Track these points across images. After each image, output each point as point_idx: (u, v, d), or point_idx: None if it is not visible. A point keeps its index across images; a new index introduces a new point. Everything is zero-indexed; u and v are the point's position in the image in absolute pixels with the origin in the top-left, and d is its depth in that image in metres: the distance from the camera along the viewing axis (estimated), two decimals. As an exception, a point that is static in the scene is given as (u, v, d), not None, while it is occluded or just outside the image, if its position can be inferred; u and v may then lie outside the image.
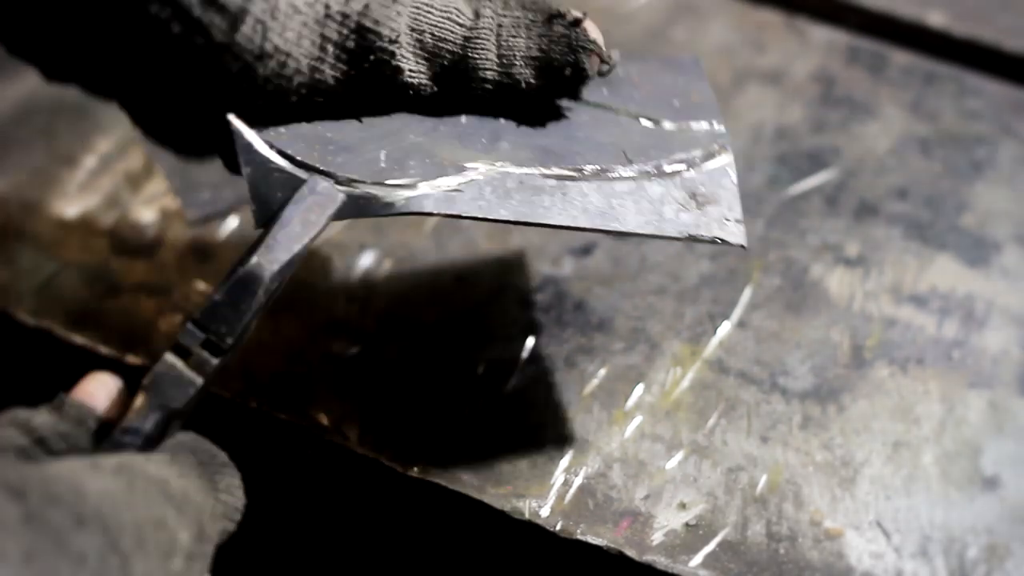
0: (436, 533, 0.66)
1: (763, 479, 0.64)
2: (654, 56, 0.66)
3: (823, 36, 0.89)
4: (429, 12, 0.55)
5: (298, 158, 0.54)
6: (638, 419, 0.67)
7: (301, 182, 0.53)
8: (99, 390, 0.50)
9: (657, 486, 0.64)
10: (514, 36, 0.56)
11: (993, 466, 0.66)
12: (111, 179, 0.77)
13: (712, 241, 0.59)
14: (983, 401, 0.68)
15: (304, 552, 0.73)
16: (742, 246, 0.59)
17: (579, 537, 0.62)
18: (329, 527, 0.71)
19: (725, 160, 0.61)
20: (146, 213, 0.75)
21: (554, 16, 0.56)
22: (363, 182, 0.54)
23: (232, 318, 0.50)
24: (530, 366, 0.68)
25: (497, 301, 0.71)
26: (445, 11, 0.55)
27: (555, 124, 0.60)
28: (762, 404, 0.68)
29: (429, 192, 0.55)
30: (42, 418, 0.48)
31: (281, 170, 0.53)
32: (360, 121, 0.57)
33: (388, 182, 0.54)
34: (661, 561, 0.61)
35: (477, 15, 0.56)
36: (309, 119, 0.55)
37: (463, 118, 0.59)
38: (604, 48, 0.57)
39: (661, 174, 0.59)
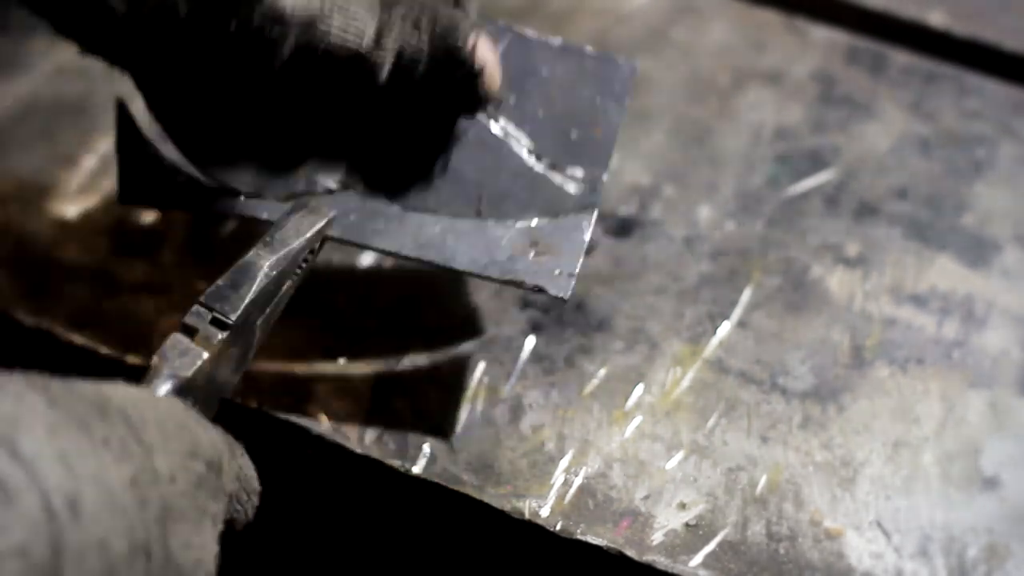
0: (436, 533, 0.66)
1: (763, 479, 0.64)
2: (593, 54, 0.66)
3: (823, 36, 0.89)
4: (327, 31, 0.56)
5: (168, 153, 0.62)
6: (638, 419, 0.67)
7: (168, 168, 0.62)
8: None
9: (657, 486, 0.64)
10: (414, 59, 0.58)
11: (993, 466, 0.66)
12: (111, 179, 0.77)
13: (533, 288, 0.60)
14: (983, 401, 0.68)
15: (305, 552, 0.73)
16: (563, 299, 0.60)
17: (579, 537, 0.62)
18: (329, 527, 0.71)
19: (583, 217, 0.62)
20: (146, 213, 0.75)
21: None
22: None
23: (234, 298, 0.55)
24: (530, 366, 0.68)
25: (497, 301, 0.71)
26: (341, 33, 0.57)
27: (437, 145, 0.63)
28: (762, 404, 0.68)
29: (268, 205, 0.62)
30: None
31: (154, 158, 0.63)
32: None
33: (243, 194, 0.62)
34: (661, 561, 0.61)
35: (378, 40, 0.57)
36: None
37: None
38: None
39: (506, 226, 0.62)
